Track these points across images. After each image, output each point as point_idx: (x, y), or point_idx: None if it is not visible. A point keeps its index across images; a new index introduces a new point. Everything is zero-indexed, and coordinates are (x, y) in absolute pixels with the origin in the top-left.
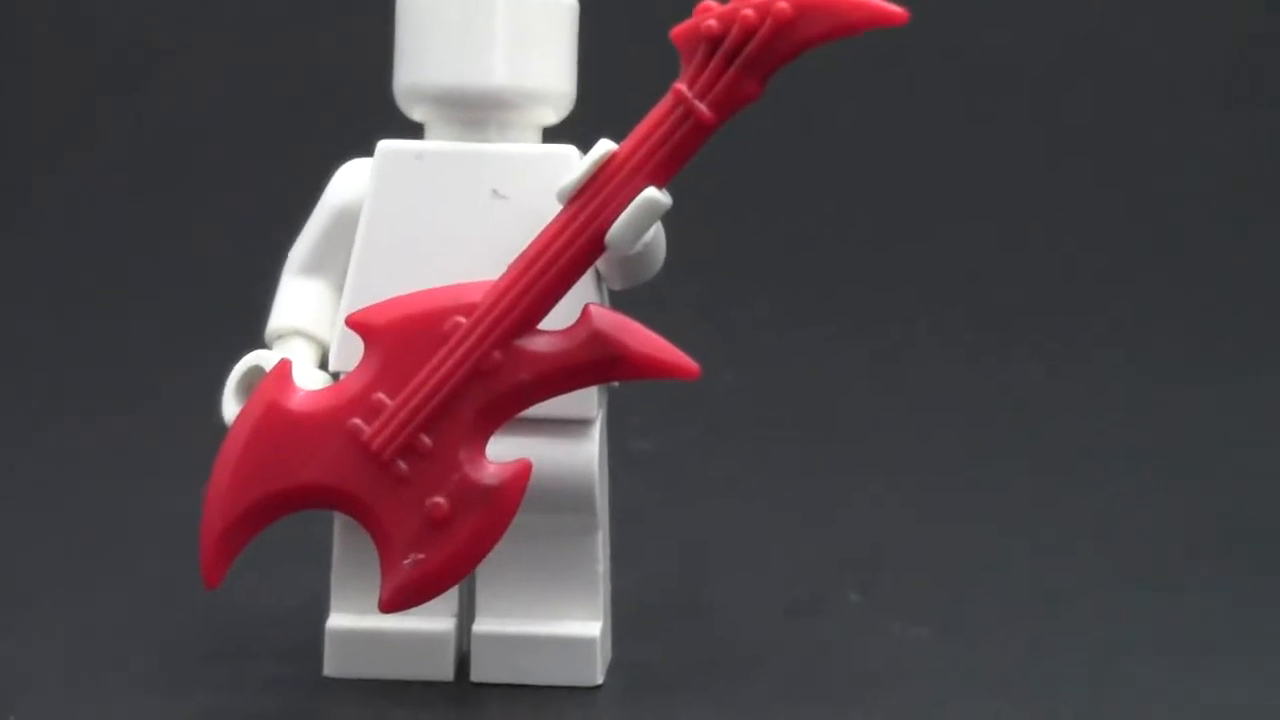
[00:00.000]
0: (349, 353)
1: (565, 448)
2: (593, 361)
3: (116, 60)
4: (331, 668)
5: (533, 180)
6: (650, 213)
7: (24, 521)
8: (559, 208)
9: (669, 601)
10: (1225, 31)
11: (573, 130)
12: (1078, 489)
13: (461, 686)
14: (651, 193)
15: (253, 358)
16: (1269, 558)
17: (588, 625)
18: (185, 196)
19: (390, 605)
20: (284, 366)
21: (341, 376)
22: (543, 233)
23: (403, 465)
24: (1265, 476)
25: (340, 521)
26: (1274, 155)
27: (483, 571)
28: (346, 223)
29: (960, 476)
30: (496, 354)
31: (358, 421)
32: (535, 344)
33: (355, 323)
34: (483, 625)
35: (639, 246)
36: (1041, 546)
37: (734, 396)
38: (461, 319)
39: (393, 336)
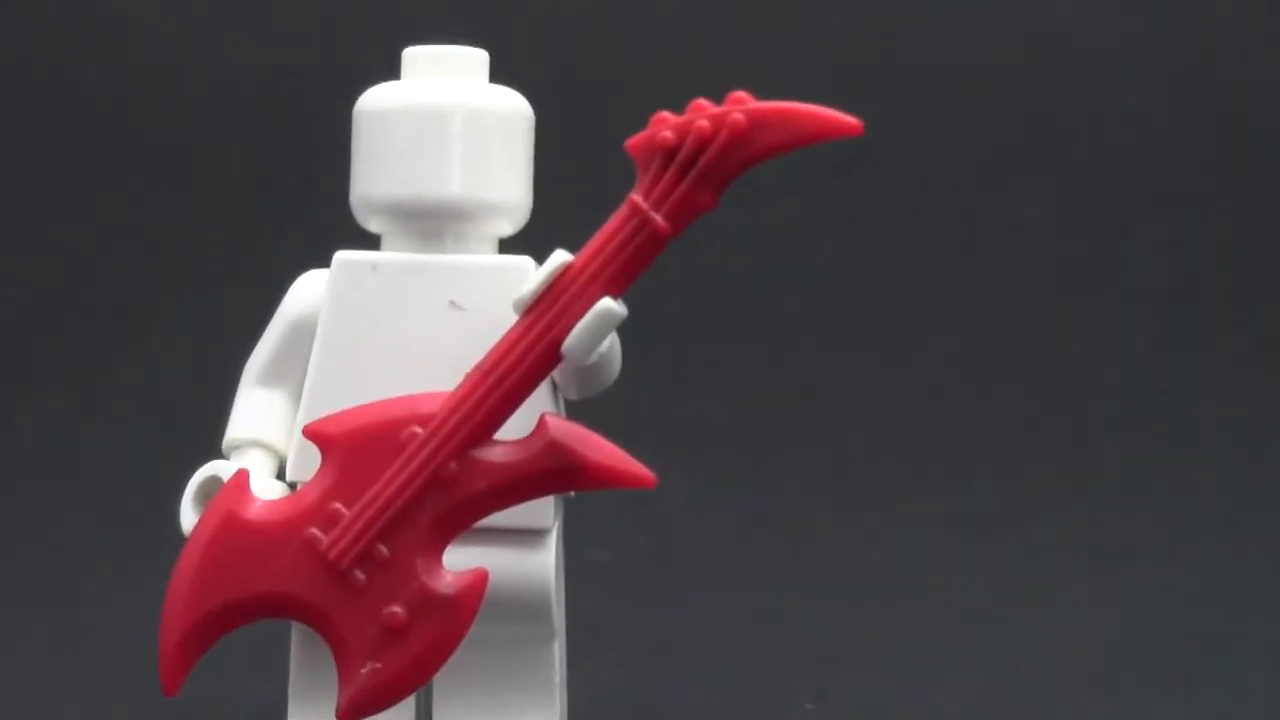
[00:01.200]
0: (306, 463)
1: (521, 557)
2: (549, 471)
3: (78, 160)
4: None
5: (489, 291)
6: (606, 323)
7: None
8: (515, 318)
9: (626, 710)
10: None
11: (528, 241)
12: (1031, 596)
13: None
14: (607, 303)
15: (210, 468)
16: (1224, 667)
17: None
18: (142, 305)
19: (348, 713)
20: (241, 476)
21: (299, 486)
22: (499, 343)
23: (360, 574)
24: (1221, 583)
25: (298, 630)
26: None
27: (440, 680)
28: (303, 333)
29: (912, 584)
30: (453, 464)
31: (315, 531)
32: (491, 454)
33: (312, 433)
34: None
35: (595, 357)
36: (994, 655)
37: (689, 505)
38: (418, 429)
39: (349, 447)
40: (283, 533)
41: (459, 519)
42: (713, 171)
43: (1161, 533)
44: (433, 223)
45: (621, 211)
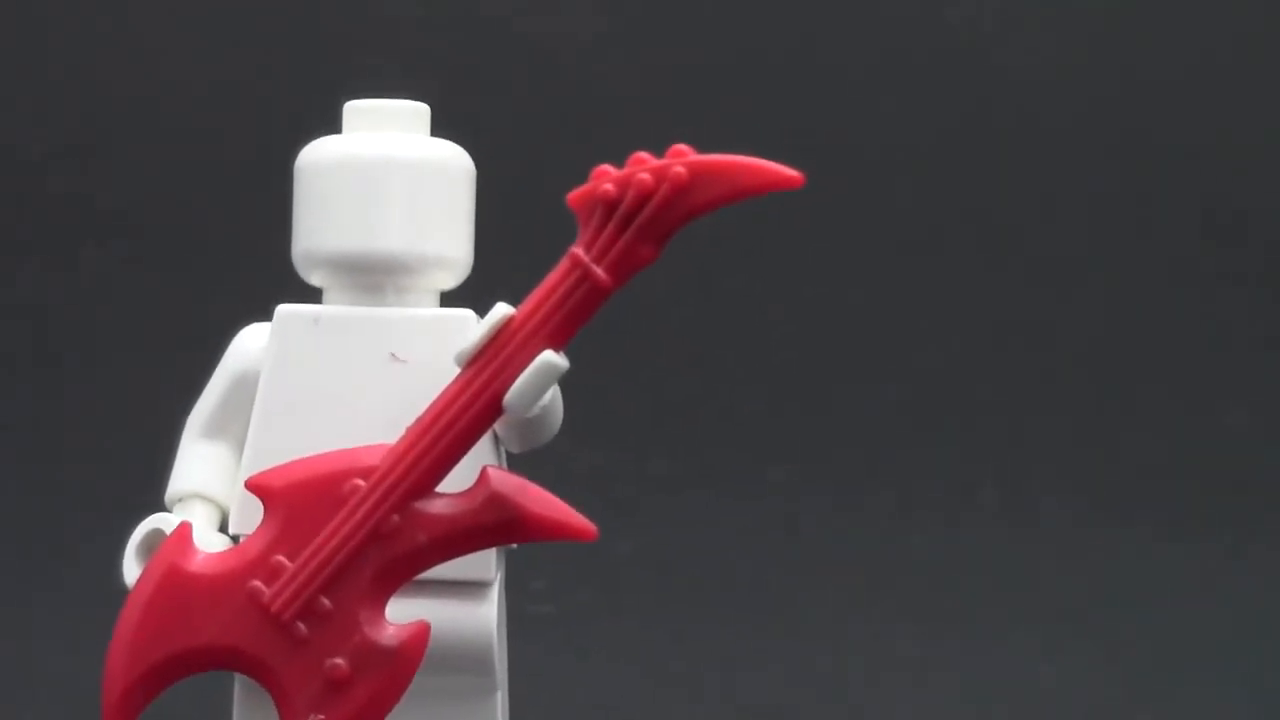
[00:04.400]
0: (249, 515)
1: (463, 609)
2: (491, 524)
3: (15, 213)
4: None
5: (431, 344)
6: (548, 375)
7: None
8: (457, 371)
9: None
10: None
11: (470, 294)
12: (975, 648)
13: None
14: (549, 356)
15: (153, 521)
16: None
17: None
18: (83, 357)
19: None
20: (184, 529)
21: (242, 539)
22: (441, 396)
23: (302, 627)
24: (1168, 634)
25: (241, 682)
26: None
27: None
28: (246, 386)
29: (858, 638)
30: (395, 517)
31: (258, 583)
32: (433, 507)
33: (254, 486)
34: None
35: (537, 409)
36: (941, 708)
37: (631, 560)
38: (360, 482)
39: (292, 499)
40: (225, 585)
41: (401, 571)
42: (654, 225)
43: (1115, 583)
44: (374, 276)
45: (563, 264)
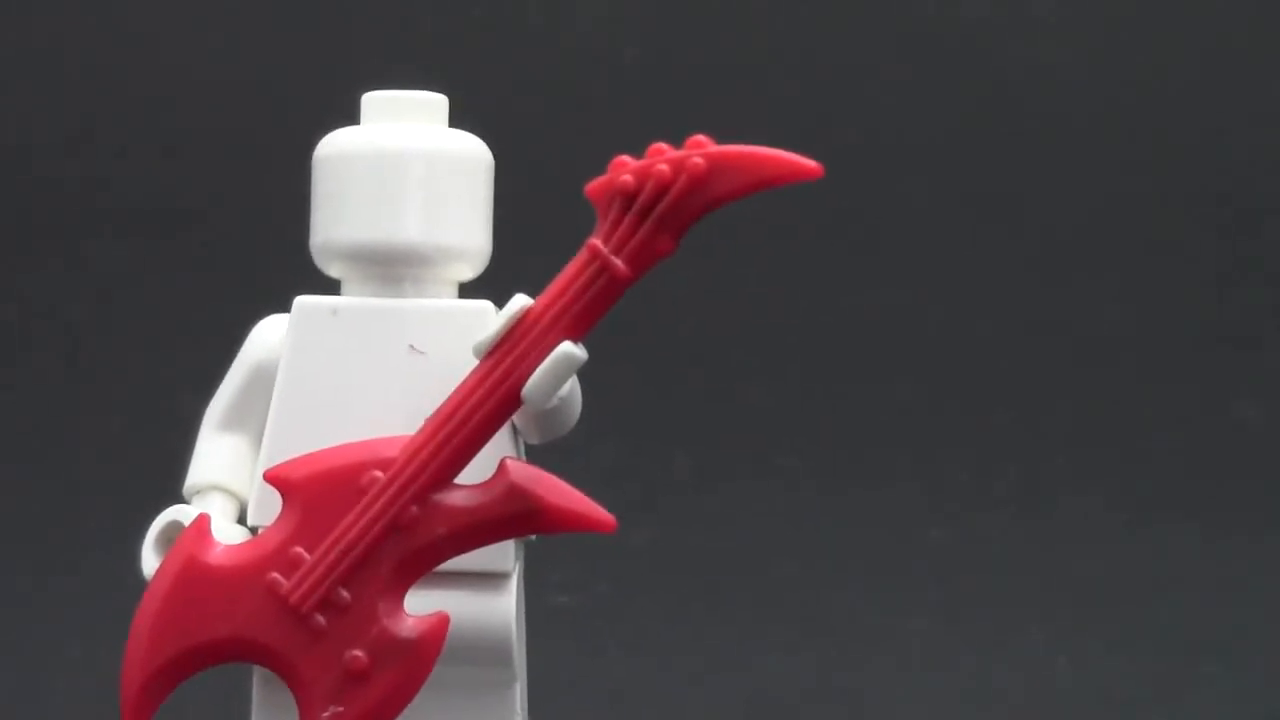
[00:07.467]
0: (267, 507)
1: (482, 601)
2: (510, 515)
3: (34, 205)
4: None
5: (449, 335)
6: (566, 367)
7: None
8: (475, 362)
9: None
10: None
11: (488, 285)
12: (992, 641)
13: None
14: (567, 347)
15: (171, 512)
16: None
17: None
18: (102, 349)
19: None
20: (202, 521)
21: (260, 531)
22: (459, 387)
23: (321, 619)
24: (1185, 628)
25: (259, 674)
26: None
27: None
28: (264, 378)
29: (874, 632)
30: (413, 508)
31: (276, 575)
32: (452, 498)
33: (273, 477)
34: None
35: (555, 400)
36: (958, 700)
37: (649, 552)
38: (379, 473)
39: (310, 491)
40: (244, 577)
41: (420, 563)
42: (672, 216)
43: (1133, 579)
44: (392, 267)
45: (581, 256)
